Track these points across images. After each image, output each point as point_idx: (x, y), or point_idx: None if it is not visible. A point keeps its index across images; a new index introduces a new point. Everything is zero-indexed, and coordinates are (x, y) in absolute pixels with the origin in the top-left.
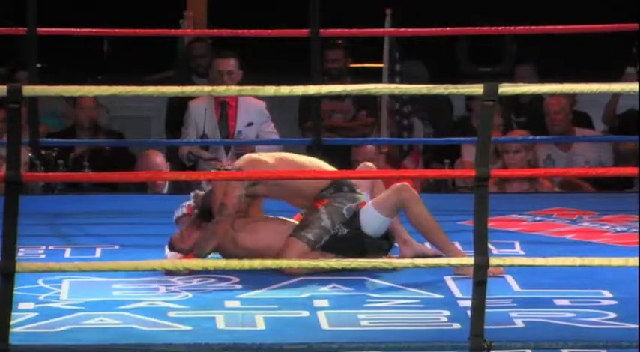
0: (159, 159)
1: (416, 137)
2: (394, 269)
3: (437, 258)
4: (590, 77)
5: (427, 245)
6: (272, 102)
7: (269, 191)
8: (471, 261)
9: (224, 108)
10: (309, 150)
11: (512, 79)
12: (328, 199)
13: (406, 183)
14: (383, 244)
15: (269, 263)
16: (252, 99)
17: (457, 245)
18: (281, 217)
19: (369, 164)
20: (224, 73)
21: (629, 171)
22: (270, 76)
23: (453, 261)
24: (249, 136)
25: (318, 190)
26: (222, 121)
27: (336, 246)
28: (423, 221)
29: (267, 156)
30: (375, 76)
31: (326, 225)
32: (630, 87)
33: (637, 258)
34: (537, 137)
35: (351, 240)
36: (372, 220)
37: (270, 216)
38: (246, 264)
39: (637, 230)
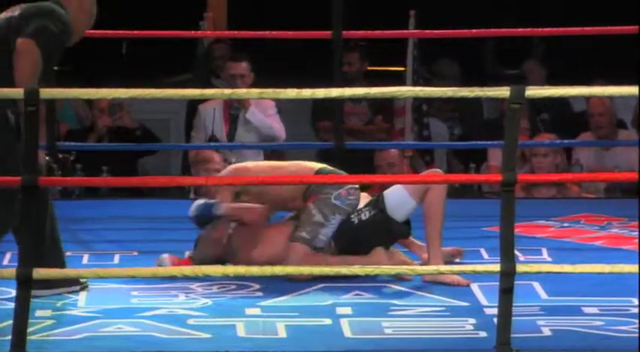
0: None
1: (439, 140)
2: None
3: (462, 265)
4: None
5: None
6: (286, 101)
7: (254, 200)
8: (495, 267)
9: (235, 111)
10: (327, 155)
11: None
12: (316, 194)
13: (438, 170)
14: (405, 229)
15: (290, 269)
16: (262, 102)
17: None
18: (284, 222)
19: (437, 170)
20: (237, 76)
21: (629, 176)
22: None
23: (479, 267)
24: (254, 122)
25: (302, 190)
26: (231, 123)
27: (359, 232)
28: (433, 207)
29: (250, 164)
30: (397, 79)
31: (317, 219)
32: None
33: None
34: (565, 141)
35: (376, 224)
36: (399, 199)
37: (273, 223)
38: (267, 270)
39: None
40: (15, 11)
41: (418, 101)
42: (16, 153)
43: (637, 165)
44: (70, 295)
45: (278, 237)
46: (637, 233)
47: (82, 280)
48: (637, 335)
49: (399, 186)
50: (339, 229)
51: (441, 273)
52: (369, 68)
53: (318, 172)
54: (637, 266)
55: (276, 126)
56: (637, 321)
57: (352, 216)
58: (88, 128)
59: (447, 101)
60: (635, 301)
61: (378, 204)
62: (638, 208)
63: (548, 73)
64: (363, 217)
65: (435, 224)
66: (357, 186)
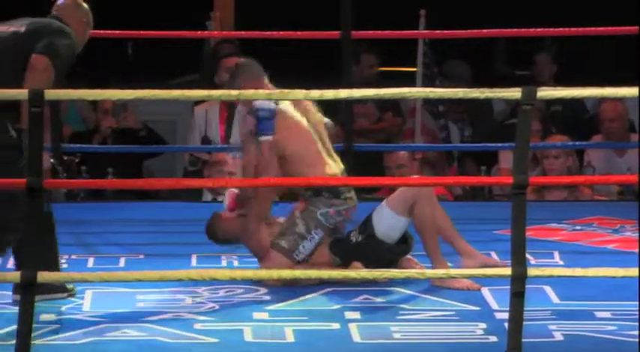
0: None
1: (452, 142)
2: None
3: (472, 269)
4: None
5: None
6: None
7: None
8: (506, 271)
9: (232, 110)
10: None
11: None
12: (307, 201)
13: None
14: (401, 249)
15: (298, 273)
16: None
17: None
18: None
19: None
20: None
21: (629, 178)
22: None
23: (489, 271)
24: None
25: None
26: (228, 123)
27: (354, 253)
28: (423, 219)
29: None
30: (408, 80)
31: (300, 230)
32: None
33: None
34: (577, 143)
35: (367, 247)
36: (385, 219)
37: (273, 218)
38: (274, 274)
39: None
40: (20, 27)
41: (434, 102)
42: (19, 171)
43: None
44: (74, 299)
45: (266, 237)
46: None
47: (69, 286)
48: None
49: (385, 206)
50: (340, 244)
51: (452, 278)
52: (381, 68)
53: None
54: None
55: None
56: None
57: (352, 233)
58: (92, 130)
59: (457, 102)
60: None
61: (367, 228)
62: (638, 211)
63: (558, 71)
64: (355, 239)
65: (430, 235)
66: (349, 206)
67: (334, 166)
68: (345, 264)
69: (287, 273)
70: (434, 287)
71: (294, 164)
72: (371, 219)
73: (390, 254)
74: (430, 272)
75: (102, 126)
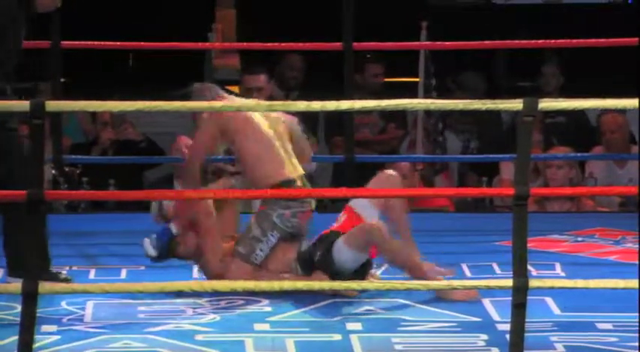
0: None
1: (451, 153)
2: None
3: (474, 280)
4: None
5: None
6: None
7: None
8: (508, 282)
9: None
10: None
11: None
12: (264, 206)
13: (375, 224)
14: (360, 273)
15: (300, 284)
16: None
17: (464, 268)
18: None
19: (390, 172)
20: (253, 89)
21: (630, 190)
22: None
23: (492, 283)
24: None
25: (267, 184)
26: None
27: (315, 266)
28: (397, 258)
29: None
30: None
31: (255, 234)
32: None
33: None
34: (578, 154)
35: (327, 265)
36: (345, 256)
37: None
38: (276, 285)
39: None
40: None
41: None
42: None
43: None
44: (76, 310)
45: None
46: None
47: (62, 273)
48: None
49: (341, 243)
50: (303, 259)
51: (454, 288)
52: (386, 79)
53: (282, 184)
54: None
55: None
56: None
57: (315, 249)
58: (91, 141)
59: (463, 114)
60: None
61: (326, 249)
62: (638, 223)
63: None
64: (316, 257)
65: (415, 268)
66: (305, 209)
67: (291, 171)
68: (307, 274)
69: (288, 285)
70: (435, 298)
71: (252, 167)
72: (330, 247)
73: (350, 275)
74: (433, 285)
75: (101, 138)
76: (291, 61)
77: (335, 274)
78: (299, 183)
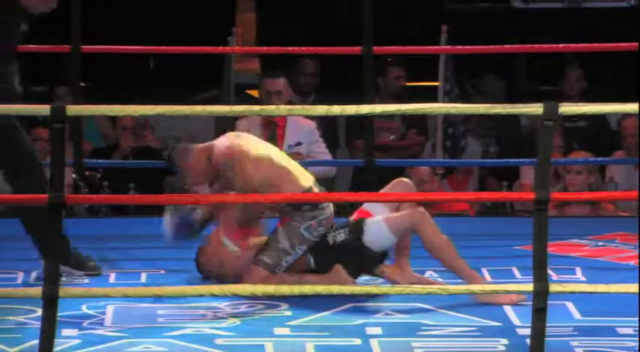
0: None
1: (471, 157)
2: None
3: (495, 285)
4: None
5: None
6: (318, 120)
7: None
8: (528, 287)
9: (272, 128)
10: (361, 172)
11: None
12: (289, 217)
13: (422, 209)
14: (378, 257)
15: (320, 288)
16: (301, 119)
17: (485, 272)
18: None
19: (405, 180)
20: (273, 93)
21: (629, 195)
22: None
23: (512, 287)
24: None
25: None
26: (269, 142)
27: (332, 254)
28: (436, 247)
29: (252, 147)
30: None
31: (284, 246)
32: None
33: None
34: (598, 159)
35: (350, 250)
36: (379, 233)
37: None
38: (296, 289)
39: None
40: None
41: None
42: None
43: None
44: (96, 314)
45: (245, 254)
46: None
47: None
48: None
49: (381, 220)
50: (315, 246)
51: (473, 293)
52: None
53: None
54: None
55: (328, 158)
56: None
57: (329, 235)
58: (112, 146)
59: (483, 118)
60: None
61: (356, 230)
62: (638, 226)
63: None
64: (338, 239)
65: (452, 259)
66: (328, 215)
67: (305, 180)
68: (321, 268)
69: (308, 289)
70: (455, 302)
71: (267, 191)
72: (363, 224)
73: (370, 260)
74: (453, 289)
75: (121, 144)
76: (304, 66)
77: (354, 254)
78: (315, 189)
